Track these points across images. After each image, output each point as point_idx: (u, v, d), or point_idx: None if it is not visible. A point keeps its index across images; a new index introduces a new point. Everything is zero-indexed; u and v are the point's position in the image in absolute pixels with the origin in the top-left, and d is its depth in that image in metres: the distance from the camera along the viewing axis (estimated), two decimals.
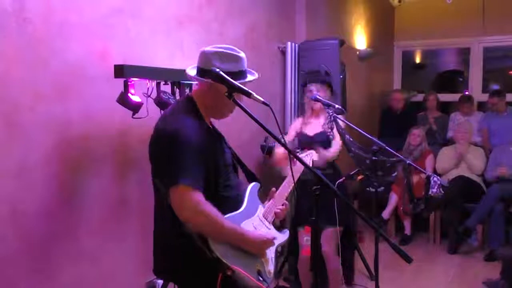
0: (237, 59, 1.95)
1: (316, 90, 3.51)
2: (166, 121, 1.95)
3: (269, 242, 1.95)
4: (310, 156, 2.76)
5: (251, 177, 2.18)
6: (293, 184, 2.13)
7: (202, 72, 1.94)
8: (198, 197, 1.80)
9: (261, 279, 1.89)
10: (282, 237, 2.13)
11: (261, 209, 2.08)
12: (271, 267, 2.00)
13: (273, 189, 2.20)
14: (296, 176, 2.14)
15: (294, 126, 3.84)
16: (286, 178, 2.23)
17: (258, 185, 2.14)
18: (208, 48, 1.96)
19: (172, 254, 1.94)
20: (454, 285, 4.30)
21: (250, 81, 1.99)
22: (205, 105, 1.98)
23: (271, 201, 2.15)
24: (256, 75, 2.02)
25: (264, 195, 2.21)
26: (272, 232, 2.07)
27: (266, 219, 2.07)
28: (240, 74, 1.94)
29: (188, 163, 1.81)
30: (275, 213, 2.12)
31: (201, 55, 1.97)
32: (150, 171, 1.98)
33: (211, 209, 1.81)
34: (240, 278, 1.82)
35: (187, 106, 1.98)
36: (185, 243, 1.84)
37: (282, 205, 2.16)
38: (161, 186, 1.88)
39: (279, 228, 2.17)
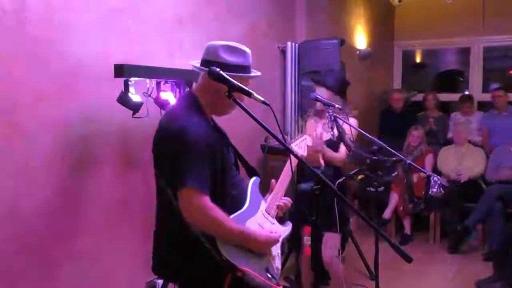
0: (244, 53, 1.97)
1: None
2: (170, 119, 1.93)
3: (275, 240, 1.95)
4: (304, 142, 2.71)
5: (252, 173, 2.17)
6: (291, 175, 2.12)
7: (205, 63, 1.93)
8: (205, 201, 1.78)
9: (269, 276, 1.90)
10: (285, 230, 2.13)
11: (263, 204, 2.07)
12: (278, 263, 2.00)
13: (273, 180, 2.18)
14: (293, 164, 2.11)
15: (313, 128, 3.64)
16: (284, 169, 2.20)
17: (259, 179, 2.13)
18: (215, 42, 1.97)
19: (178, 254, 1.92)
20: (454, 285, 4.30)
21: (255, 76, 1.99)
22: (206, 102, 1.97)
23: (272, 194, 2.13)
24: (259, 73, 2.03)
25: (264, 190, 2.21)
26: (276, 227, 2.07)
27: (269, 214, 2.06)
28: (247, 68, 1.97)
29: (195, 164, 1.78)
30: (278, 206, 2.10)
31: (207, 47, 1.97)
32: (152, 170, 1.97)
33: (218, 213, 1.79)
34: (250, 279, 1.81)
35: (190, 102, 1.96)
36: (192, 244, 1.83)
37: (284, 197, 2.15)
38: (168, 187, 1.86)
39: (281, 219, 2.16)
